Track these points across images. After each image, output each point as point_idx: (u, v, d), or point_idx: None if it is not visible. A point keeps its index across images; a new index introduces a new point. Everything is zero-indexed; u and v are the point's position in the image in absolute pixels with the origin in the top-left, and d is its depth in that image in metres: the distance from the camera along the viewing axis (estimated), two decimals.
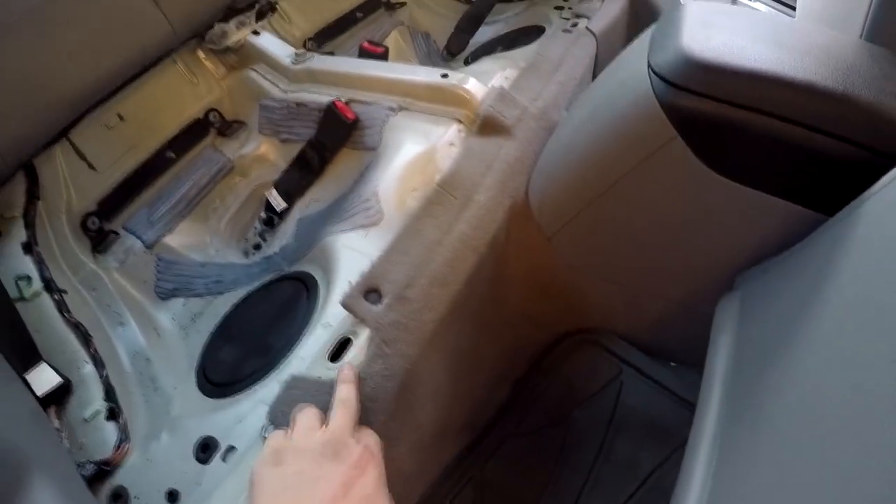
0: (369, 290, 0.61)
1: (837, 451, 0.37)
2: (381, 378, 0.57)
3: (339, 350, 0.60)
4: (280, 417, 0.55)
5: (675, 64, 0.56)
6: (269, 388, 0.63)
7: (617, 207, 0.67)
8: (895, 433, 0.32)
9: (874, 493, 0.31)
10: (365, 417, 0.56)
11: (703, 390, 0.60)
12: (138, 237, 0.87)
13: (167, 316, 0.83)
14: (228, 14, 0.96)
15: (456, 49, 1.10)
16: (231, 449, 0.61)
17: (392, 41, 1.14)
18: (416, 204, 0.69)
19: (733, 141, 0.56)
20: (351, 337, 0.60)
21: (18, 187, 0.82)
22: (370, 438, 0.49)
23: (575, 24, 1.00)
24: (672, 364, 0.81)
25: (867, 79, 0.53)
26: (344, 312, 0.63)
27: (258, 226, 0.92)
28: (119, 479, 0.66)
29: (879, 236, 0.45)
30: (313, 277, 0.73)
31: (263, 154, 0.95)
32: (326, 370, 0.58)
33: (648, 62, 0.59)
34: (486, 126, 0.75)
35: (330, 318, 0.64)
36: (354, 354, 0.58)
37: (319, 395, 0.55)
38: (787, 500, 0.39)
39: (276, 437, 0.48)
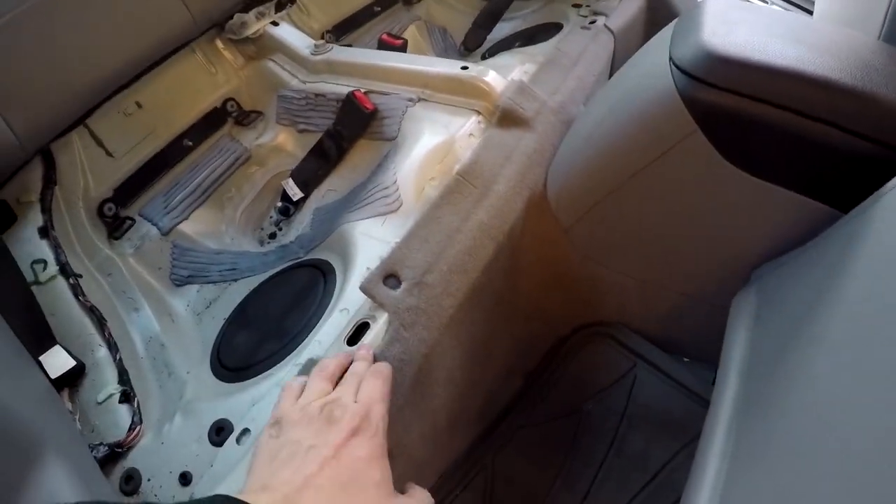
0: (388, 276, 0.62)
1: (851, 447, 0.37)
2: (399, 362, 0.57)
3: (356, 334, 0.60)
4: None
5: (697, 58, 0.56)
6: (285, 372, 0.63)
7: (634, 201, 0.67)
8: None
9: (888, 488, 0.32)
10: None
11: (718, 383, 0.60)
12: (154, 224, 0.88)
13: (182, 302, 0.84)
14: (248, 5, 0.97)
15: (473, 45, 1.11)
16: (245, 432, 0.61)
17: (409, 36, 1.15)
18: (434, 193, 0.70)
19: (753, 135, 0.56)
20: (369, 321, 0.60)
21: (35, 172, 0.83)
22: (375, 406, 0.47)
23: (593, 22, 1.01)
24: (685, 360, 0.81)
25: (886, 77, 0.53)
26: (361, 298, 0.63)
27: (274, 215, 0.93)
28: (131, 461, 0.66)
29: (894, 233, 0.45)
30: (330, 264, 0.74)
31: (280, 144, 0.96)
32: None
33: (670, 56, 0.60)
34: (506, 118, 0.75)
35: (347, 303, 0.65)
36: (372, 338, 0.58)
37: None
38: (801, 494, 0.39)
39: (283, 404, 0.47)
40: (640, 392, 0.79)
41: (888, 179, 0.48)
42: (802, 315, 0.51)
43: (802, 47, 0.55)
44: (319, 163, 0.90)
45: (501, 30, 1.13)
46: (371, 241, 0.70)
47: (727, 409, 0.57)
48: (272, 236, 0.92)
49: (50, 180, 0.82)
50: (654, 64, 0.63)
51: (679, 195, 0.65)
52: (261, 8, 0.97)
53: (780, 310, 0.58)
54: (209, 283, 0.85)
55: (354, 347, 0.59)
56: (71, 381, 0.73)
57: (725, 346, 0.63)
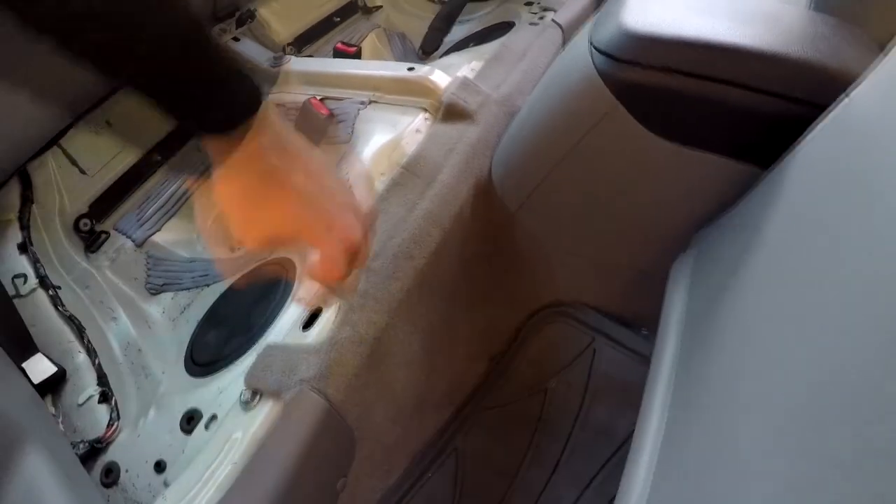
0: None
1: (775, 389, 0.41)
2: (350, 343, 0.62)
3: (310, 320, 0.65)
4: (255, 380, 0.60)
5: (613, 38, 0.61)
6: (248, 361, 0.68)
7: (572, 178, 0.72)
8: (822, 360, 0.36)
9: (807, 425, 0.35)
10: (333, 380, 0.61)
11: (658, 342, 0.65)
12: (128, 237, 0.94)
13: (157, 309, 0.89)
14: (210, 23, 1.03)
15: (431, 48, 1.17)
16: (213, 418, 0.66)
17: (369, 43, 1.21)
18: (382, 187, 0.75)
19: (671, 105, 0.62)
20: (322, 306, 0.65)
21: (13, 191, 0.89)
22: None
23: (542, 18, 1.06)
24: (644, 332, 0.85)
25: (800, 38, 0.57)
26: (316, 288, 0.68)
27: None
28: (110, 455, 0.72)
29: (808, 181, 0.50)
30: (291, 261, 0.79)
31: None
32: (299, 338, 0.63)
33: (590, 40, 0.65)
34: (449, 112, 0.81)
35: (303, 293, 0.70)
36: (325, 322, 0.63)
37: (291, 358, 0.60)
38: (732, 439, 0.43)
39: None
40: (600, 366, 0.83)
41: (802, 133, 0.52)
42: (731, 270, 0.55)
43: (715, 18, 0.60)
44: None
45: (458, 32, 1.19)
46: None
47: (667, 365, 0.61)
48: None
49: (27, 199, 0.89)
50: (576, 49, 0.68)
51: (611, 169, 0.70)
52: (222, 25, 1.04)
53: (713, 268, 0.62)
54: (183, 289, 0.91)
55: (308, 332, 0.64)
56: (53, 386, 0.79)
57: (664, 307, 0.68)
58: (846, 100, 0.48)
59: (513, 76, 0.90)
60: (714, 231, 0.67)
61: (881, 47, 0.52)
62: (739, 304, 0.52)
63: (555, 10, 1.09)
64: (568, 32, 1.04)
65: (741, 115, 0.60)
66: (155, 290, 0.91)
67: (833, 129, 0.49)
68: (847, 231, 0.40)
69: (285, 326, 0.68)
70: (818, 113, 0.51)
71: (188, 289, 0.91)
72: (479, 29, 1.18)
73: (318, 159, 0.45)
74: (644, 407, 0.62)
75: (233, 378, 0.68)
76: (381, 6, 1.31)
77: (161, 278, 0.92)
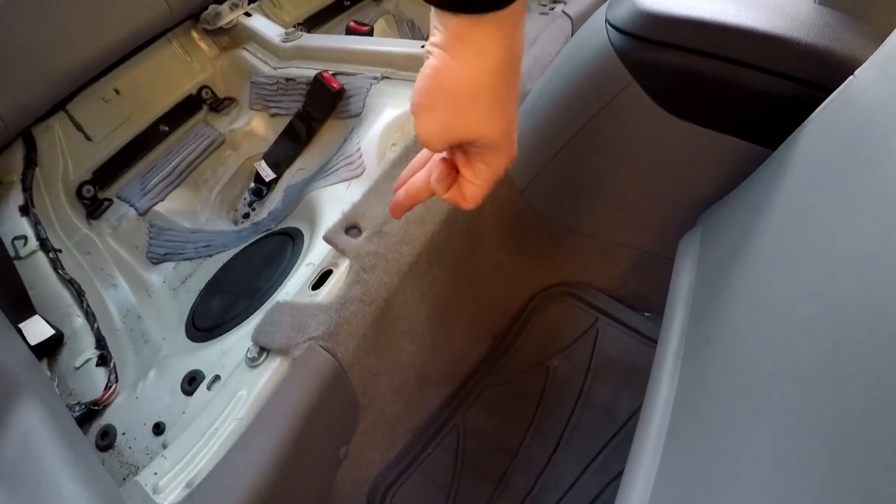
0: (349, 227, 0.67)
1: (781, 364, 0.41)
2: (360, 303, 0.62)
3: (320, 281, 0.65)
4: (263, 337, 0.60)
5: (629, 15, 0.63)
6: (253, 323, 0.68)
7: (583, 154, 0.73)
8: (829, 331, 0.37)
9: (817, 396, 0.36)
10: (342, 339, 0.61)
11: (666, 319, 0.66)
12: (132, 205, 0.93)
13: (158, 278, 0.89)
14: None
15: None
16: (216, 378, 0.66)
17: (378, 29, 1.22)
18: (394, 156, 0.75)
19: (684, 83, 0.63)
20: (332, 269, 0.65)
21: (17, 154, 0.89)
22: None
23: (552, 8, 1.08)
24: (647, 315, 0.86)
25: (808, 26, 0.60)
26: (326, 252, 0.68)
27: (248, 196, 0.98)
28: (107, 418, 0.71)
29: (813, 158, 0.51)
30: (299, 230, 0.79)
31: (254, 129, 1.02)
32: (308, 297, 0.63)
33: (606, 17, 0.67)
34: None
35: (314, 258, 0.70)
36: (335, 281, 0.63)
37: (301, 316, 0.60)
38: (740, 414, 0.44)
39: None
40: (603, 346, 0.84)
41: (808, 116, 0.54)
42: (737, 246, 0.56)
43: (728, 3, 0.61)
44: (290, 144, 0.96)
45: None
46: (336, 203, 0.76)
47: (675, 339, 0.62)
48: (246, 216, 0.97)
49: (31, 161, 0.88)
50: (592, 27, 0.69)
51: (623, 146, 0.71)
52: (233, 0, 1.05)
53: (720, 245, 0.63)
54: (185, 259, 0.90)
55: (318, 292, 0.64)
56: (50, 350, 0.78)
57: (672, 283, 0.68)
58: (850, 79, 0.50)
59: (523, 60, 0.91)
60: (721, 209, 0.68)
61: (882, 38, 0.54)
62: (746, 279, 0.53)
63: (565, 2, 1.11)
64: (577, 23, 1.06)
65: (752, 96, 0.62)
66: (157, 260, 0.91)
67: (837, 108, 0.51)
68: (851, 204, 0.41)
69: (294, 288, 0.68)
70: (824, 96, 0.53)
71: (190, 259, 0.91)
72: None
73: None
74: (653, 377, 0.62)
75: (238, 339, 0.68)
76: None
77: (163, 248, 0.92)
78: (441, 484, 0.77)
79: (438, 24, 0.32)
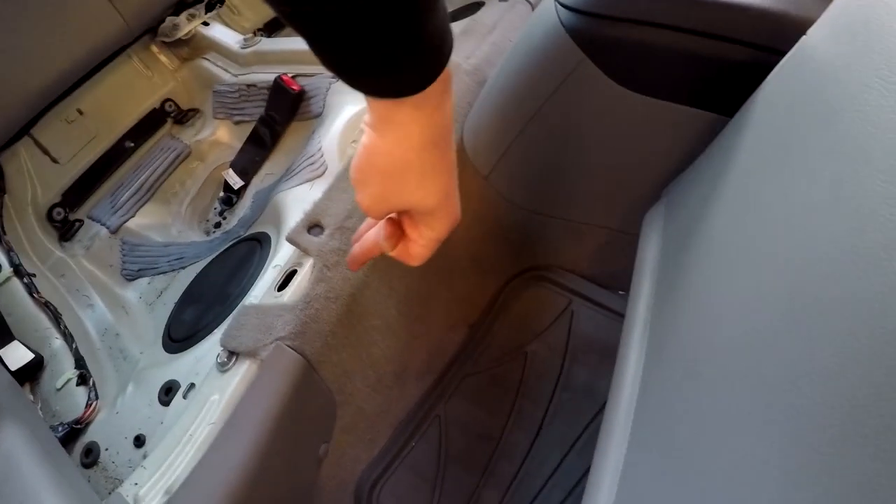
0: (312, 226, 0.68)
1: (738, 325, 0.43)
2: (325, 300, 0.64)
3: (286, 282, 0.66)
4: (231, 341, 0.62)
5: None
6: (224, 328, 0.70)
7: (543, 135, 0.74)
8: (780, 299, 0.38)
9: (777, 357, 0.37)
10: (309, 336, 0.62)
11: (632, 291, 0.67)
12: (103, 224, 0.95)
13: (134, 294, 0.90)
14: (179, 8, 1.06)
15: None
16: (191, 386, 0.67)
17: None
18: (354, 153, 0.77)
19: (637, 56, 0.64)
20: (297, 269, 0.67)
21: None
22: None
23: None
24: (620, 293, 0.87)
25: None
26: (291, 253, 0.70)
27: (218, 206, 1.00)
28: (90, 435, 0.73)
29: (768, 120, 0.52)
30: (266, 234, 0.81)
31: (219, 138, 1.04)
32: (274, 298, 0.65)
33: None
34: None
35: (280, 260, 0.71)
36: (300, 281, 0.65)
37: (267, 317, 0.62)
38: (703, 384, 0.45)
39: None
40: (578, 327, 0.85)
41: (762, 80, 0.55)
42: (699, 216, 0.58)
43: None
44: (256, 150, 0.97)
45: None
46: (300, 204, 0.77)
47: (641, 314, 0.64)
48: (217, 226, 0.99)
49: None
50: (542, 8, 0.71)
51: (581, 125, 0.72)
52: (191, 10, 1.06)
53: (683, 216, 0.65)
54: (159, 273, 0.92)
55: (283, 292, 0.65)
56: (31, 374, 0.80)
57: (637, 258, 0.70)
58: (801, 40, 0.51)
59: (482, 48, 0.92)
60: (683, 181, 0.69)
61: None
62: (707, 247, 0.54)
63: None
64: (537, 8, 1.07)
65: (706, 63, 0.62)
66: (131, 276, 0.92)
67: (790, 69, 0.52)
68: (805, 163, 0.43)
69: (262, 291, 0.69)
70: (778, 59, 0.53)
71: (164, 272, 0.92)
72: (449, 10, 1.21)
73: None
74: (621, 351, 0.64)
75: (210, 346, 0.70)
76: None
77: (136, 264, 0.93)
78: (427, 476, 0.79)
79: (367, 105, 0.35)
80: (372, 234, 0.43)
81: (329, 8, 0.27)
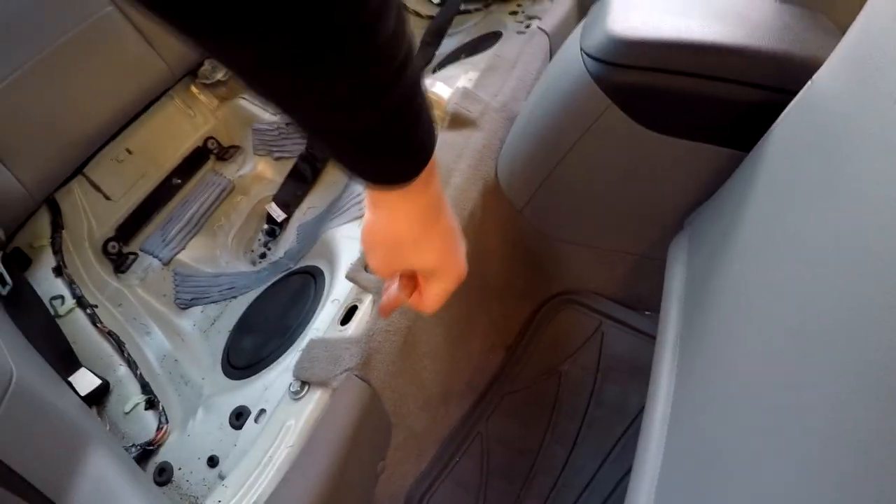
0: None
1: (766, 347, 0.50)
2: (386, 332, 0.72)
3: (347, 316, 0.75)
4: (303, 372, 0.70)
5: (602, 43, 0.72)
6: (291, 358, 0.78)
7: (572, 173, 0.83)
8: (809, 313, 0.45)
9: (797, 373, 0.44)
10: (374, 367, 0.70)
11: (662, 316, 0.75)
12: (155, 256, 1.03)
13: (188, 322, 0.98)
14: None
15: (423, 62, 1.28)
16: (262, 412, 0.75)
17: None
18: None
19: (658, 101, 0.72)
20: (357, 304, 0.75)
21: (44, 220, 0.98)
22: None
23: (528, 26, 1.18)
24: (647, 313, 0.95)
25: (769, 30, 0.68)
26: (348, 288, 0.78)
27: (262, 237, 1.08)
28: (162, 456, 0.80)
29: (781, 158, 0.60)
30: (318, 268, 0.89)
31: (260, 173, 1.12)
32: (339, 332, 0.73)
33: (581, 46, 0.76)
34: (454, 121, 0.91)
35: (337, 294, 0.79)
36: (361, 316, 0.73)
37: (335, 350, 0.70)
38: (735, 404, 0.52)
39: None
40: (609, 347, 0.94)
41: (776, 117, 0.62)
42: (722, 244, 0.66)
43: (691, 19, 0.70)
44: (297, 184, 1.06)
45: (448, 45, 1.30)
46: (351, 241, 0.85)
47: (671, 335, 0.72)
48: (262, 256, 1.07)
49: (57, 225, 0.98)
50: (568, 55, 0.79)
51: (608, 164, 0.80)
52: None
53: (706, 245, 0.73)
54: (211, 302, 1.00)
55: (347, 326, 0.73)
56: (98, 398, 0.87)
57: (665, 283, 0.78)
58: (810, 83, 0.58)
59: (508, 84, 1.01)
60: (705, 212, 0.78)
61: (843, 31, 0.58)
62: (730, 274, 0.62)
63: (539, 18, 1.20)
64: (553, 38, 1.15)
65: (721, 105, 0.71)
66: (185, 305, 1.00)
67: (800, 111, 0.59)
68: (816, 201, 0.50)
69: (323, 324, 0.77)
70: (790, 98, 0.60)
71: (216, 301, 1.00)
72: (467, 40, 1.29)
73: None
74: (654, 371, 0.72)
75: (277, 375, 0.77)
76: None
77: (189, 293, 1.01)
78: (470, 489, 0.87)
79: (365, 188, 0.41)
80: (394, 287, 0.49)
81: (329, 133, 0.34)
